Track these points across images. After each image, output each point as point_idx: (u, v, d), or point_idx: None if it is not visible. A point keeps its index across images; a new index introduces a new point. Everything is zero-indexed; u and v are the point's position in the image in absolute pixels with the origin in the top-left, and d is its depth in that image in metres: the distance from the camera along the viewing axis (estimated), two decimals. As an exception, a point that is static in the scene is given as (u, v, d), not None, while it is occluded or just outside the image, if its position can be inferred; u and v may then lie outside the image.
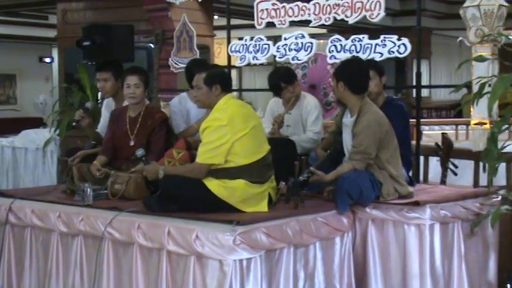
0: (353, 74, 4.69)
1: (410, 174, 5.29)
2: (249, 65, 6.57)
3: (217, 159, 4.31)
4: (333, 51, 5.73)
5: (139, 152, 4.66)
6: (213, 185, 4.29)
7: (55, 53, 17.45)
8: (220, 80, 4.51)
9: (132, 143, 5.14)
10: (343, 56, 5.58)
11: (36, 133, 10.53)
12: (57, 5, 10.40)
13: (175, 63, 7.08)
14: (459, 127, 10.98)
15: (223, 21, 8.00)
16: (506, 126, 4.02)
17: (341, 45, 5.68)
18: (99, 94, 5.83)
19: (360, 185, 4.47)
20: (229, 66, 6.77)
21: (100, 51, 6.62)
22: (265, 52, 6.19)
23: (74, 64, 8.84)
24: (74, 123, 5.60)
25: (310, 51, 5.93)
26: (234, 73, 16.05)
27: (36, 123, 14.34)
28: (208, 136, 4.34)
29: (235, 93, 14.09)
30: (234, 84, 9.56)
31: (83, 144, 5.86)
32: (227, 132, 4.30)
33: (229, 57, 6.58)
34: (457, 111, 13.82)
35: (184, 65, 6.38)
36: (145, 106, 5.31)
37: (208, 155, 4.32)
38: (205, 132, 4.37)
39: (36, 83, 18.90)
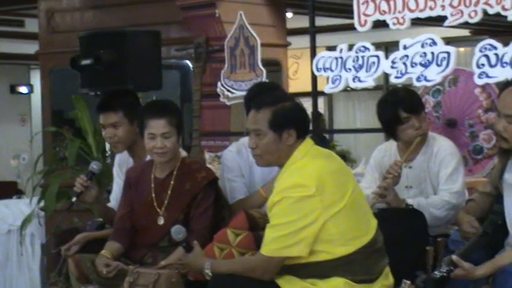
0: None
1: None
2: (345, 90, 6.61)
3: (297, 249, 4.31)
4: (483, 65, 5.70)
5: (179, 235, 4.68)
6: (296, 289, 4.33)
7: (35, 79, 17.88)
8: (295, 120, 4.51)
9: (161, 221, 5.22)
10: (502, 72, 5.56)
11: (7, 207, 10.71)
12: (39, 3, 10.58)
13: (229, 90, 7.19)
14: None
15: (302, 22, 8.03)
16: None
17: (497, 55, 5.66)
18: (107, 145, 5.90)
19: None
20: (315, 92, 6.84)
21: (108, 74, 6.75)
22: (373, 69, 6.20)
23: (67, 96, 8.96)
24: (73, 198, 5.57)
25: (447, 67, 5.92)
26: (321, 103, 16.11)
27: (9, 190, 14.60)
28: (283, 214, 4.33)
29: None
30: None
31: (82, 223, 5.93)
32: (316, 207, 4.28)
33: (314, 78, 6.66)
34: None
35: (242, 93, 6.45)
36: (181, 161, 5.39)
37: (283, 243, 4.31)
38: (279, 207, 4.35)
39: (7, 127, 19.33)
